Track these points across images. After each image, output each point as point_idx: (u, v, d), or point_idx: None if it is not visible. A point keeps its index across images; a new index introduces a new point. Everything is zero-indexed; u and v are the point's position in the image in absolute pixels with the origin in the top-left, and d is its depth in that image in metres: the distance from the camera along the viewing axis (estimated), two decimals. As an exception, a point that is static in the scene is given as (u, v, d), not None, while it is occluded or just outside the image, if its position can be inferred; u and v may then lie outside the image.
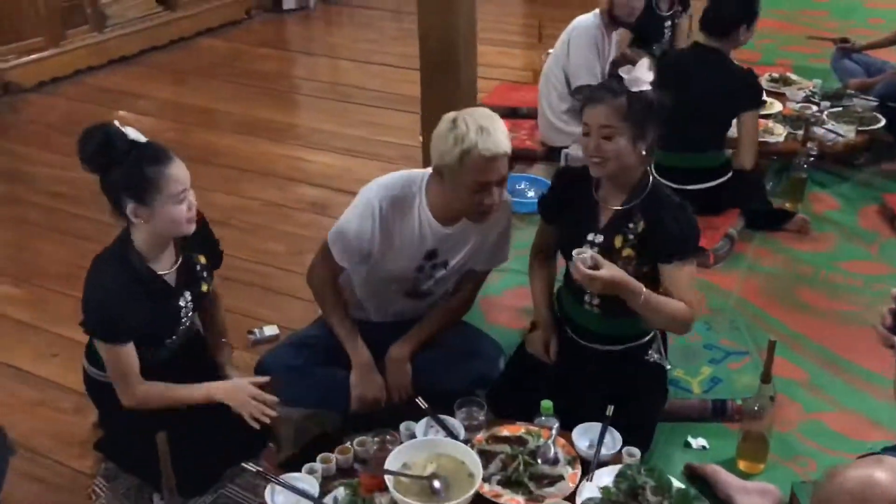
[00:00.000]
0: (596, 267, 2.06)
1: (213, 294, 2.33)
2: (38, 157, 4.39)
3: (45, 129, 4.73)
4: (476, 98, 3.54)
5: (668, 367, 2.41)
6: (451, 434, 2.06)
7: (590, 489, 1.93)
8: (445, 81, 3.25)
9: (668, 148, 3.43)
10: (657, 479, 1.92)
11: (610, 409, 2.09)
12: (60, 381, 2.71)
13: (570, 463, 2.01)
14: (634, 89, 2.14)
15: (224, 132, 4.72)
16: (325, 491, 1.94)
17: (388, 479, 1.89)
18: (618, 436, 2.08)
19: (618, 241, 2.21)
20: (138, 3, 5.87)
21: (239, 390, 2.12)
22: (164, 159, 1.97)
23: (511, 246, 2.48)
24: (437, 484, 1.87)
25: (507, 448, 2.02)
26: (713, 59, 3.34)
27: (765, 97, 3.68)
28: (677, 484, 1.95)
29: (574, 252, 2.11)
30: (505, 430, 2.09)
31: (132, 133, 1.97)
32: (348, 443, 2.08)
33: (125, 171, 1.94)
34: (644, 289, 2.10)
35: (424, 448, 1.99)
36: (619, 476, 1.94)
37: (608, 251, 2.20)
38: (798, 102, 4.21)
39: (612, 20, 3.89)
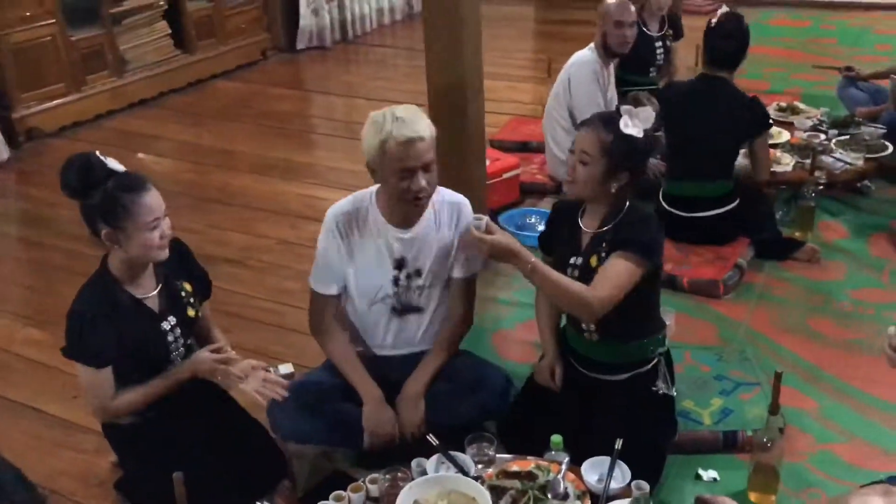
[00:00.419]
0: (489, 233, 2.15)
1: (212, 335, 2.40)
2: (59, 200, 4.39)
3: (66, 174, 4.84)
4: (484, 134, 3.60)
5: (675, 394, 2.43)
6: (462, 470, 2.09)
7: (599, 523, 1.95)
8: (453, 119, 3.31)
9: (677, 177, 3.52)
10: (666, 513, 1.94)
11: (619, 443, 2.11)
12: (81, 423, 2.77)
13: (580, 497, 2.03)
14: (624, 131, 2.22)
15: (240, 172, 4.82)
16: (338, 528, 1.97)
17: (399, 516, 1.92)
18: (627, 469, 2.10)
19: (593, 261, 2.29)
20: (157, 48, 6.03)
21: (200, 362, 2.21)
22: (138, 188, 2.06)
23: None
24: (447, 520, 1.90)
25: (517, 483, 2.04)
26: (719, 89, 3.42)
27: (771, 120, 3.74)
28: (686, 517, 1.96)
29: (471, 221, 2.20)
30: (515, 466, 2.11)
31: (112, 162, 2.07)
32: (360, 480, 2.12)
33: (102, 196, 2.04)
34: (533, 258, 2.17)
35: (435, 485, 2.02)
36: (628, 510, 1.96)
37: (585, 270, 2.29)
38: (806, 131, 4.25)
39: (607, 52, 3.97)
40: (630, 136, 2.22)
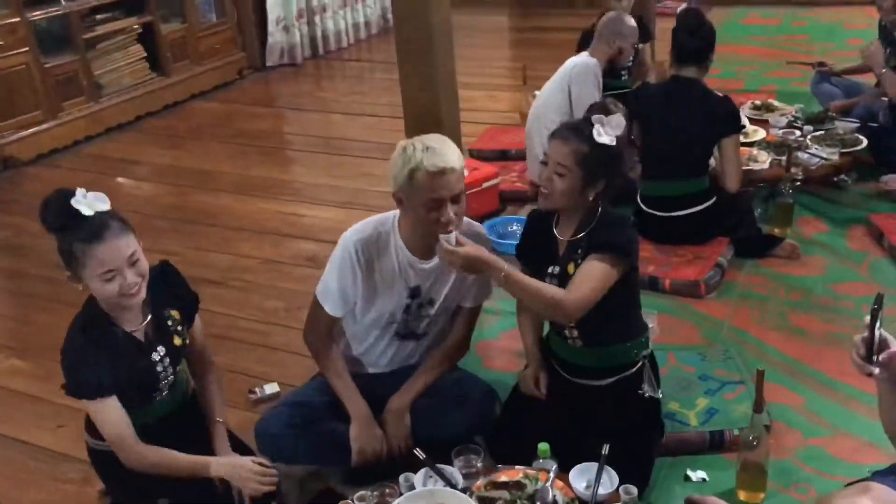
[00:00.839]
0: (459, 245, 2.15)
1: (208, 368, 2.37)
2: (38, 230, 4.37)
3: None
4: (461, 144, 3.62)
5: (661, 396, 2.44)
6: (450, 483, 2.09)
7: (589, 530, 1.96)
8: (429, 130, 3.31)
9: (653, 177, 3.55)
10: (655, 516, 1.94)
11: (605, 448, 2.11)
12: (68, 452, 2.74)
13: (569, 504, 2.04)
14: (599, 140, 2.23)
15: (220, 192, 4.81)
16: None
17: (389, 532, 1.92)
18: (614, 474, 2.10)
19: (570, 269, 2.30)
20: (132, 72, 6.01)
21: (241, 468, 2.14)
22: (92, 238, 1.97)
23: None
24: (437, 534, 1.90)
25: (505, 494, 2.05)
26: (692, 89, 3.46)
27: (744, 122, 3.77)
28: (676, 519, 1.96)
29: (441, 236, 2.17)
30: (503, 476, 2.12)
31: (91, 203, 2.00)
32: (349, 497, 2.11)
33: (61, 241, 2.01)
34: (505, 266, 2.17)
35: (423, 499, 2.01)
36: (617, 515, 1.97)
37: (563, 278, 2.30)
38: (781, 128, 4.28)
39: (611, 66, 4.03)
40: (604, 145, 2.24)
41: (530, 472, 2.12)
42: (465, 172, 2.28)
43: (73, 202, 1.99)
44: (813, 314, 3.16)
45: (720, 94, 3.48)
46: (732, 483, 2.33)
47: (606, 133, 2.25)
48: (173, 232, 4.30)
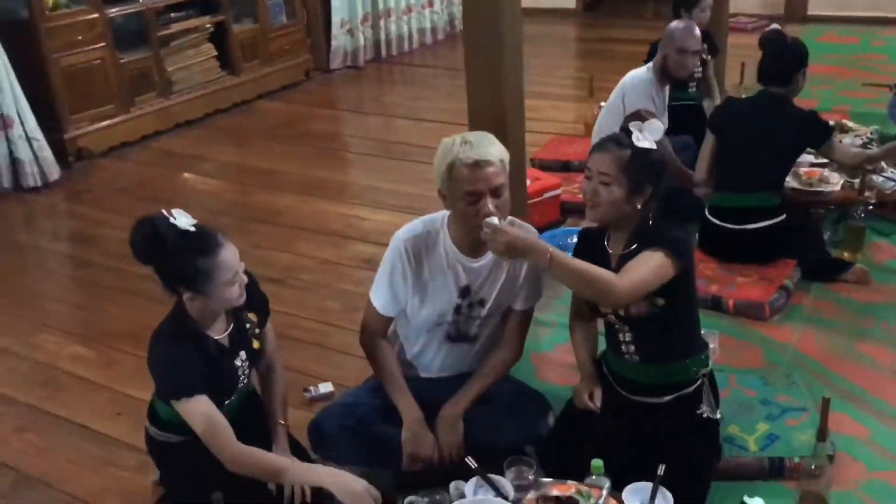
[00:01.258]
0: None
1: (274, 368, 2.39)
2: (108, 220, 4.60)
3: (114, 194, 4.96)
4: (525, 154, 3.60)
5: (720, 417, 2.38)
6: (501, 494, 2.07)
7: (641, 551, 1.92)
8: (495, 140, 3.31)
9: (725, 189, 3.52)
10: (709, 542, 1.90)
11: (661, 469, 2.07)
12: (125, 440, 2.80)
13: (621, 524, 2.00)
14: (639, 145, 2.22)
15: (283, 192, 4.87)
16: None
17: (438, 539, 1.90)
18: (669, 496, 2.06)
19: None
20: (203, 70, 6.14)
21: (358, 492, 2.10)
22: (213, 248, 2.01)
23: (544, 283, 2.51)
24: (486, 545, 1.88)
25: (556, 509, 2.02)
26: (778, 105, 3.45)
27: (832, 124, 3.72)
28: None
29: (486, 217, 2.15)
30: (555, 490, 2.09)
31: (182, 220, 2.01)
32: (399, 502, 2.11)
33: (177, 264, 2.01)
34: (550, 247, 2.11)
35: (474, 508, 2.00)
36: (671, 538, 1.92)
37: None
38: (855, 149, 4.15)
39: (664, 75, 3.95)
40: (645, 149, 2.23)
41: (583, 487, 2.09)
42: (504, 169, 2.27)
43: (173, 218, 2.00)
44: (882, 343, 3.06)
45: (806, 110, 3.48)
46: (791, 512, 2.27)
47: (645, 138, 2.24)
48: (236, 229, 4.36)
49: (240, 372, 2.22)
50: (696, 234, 3.63)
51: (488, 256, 2.38)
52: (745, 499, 2.34)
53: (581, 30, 8.55)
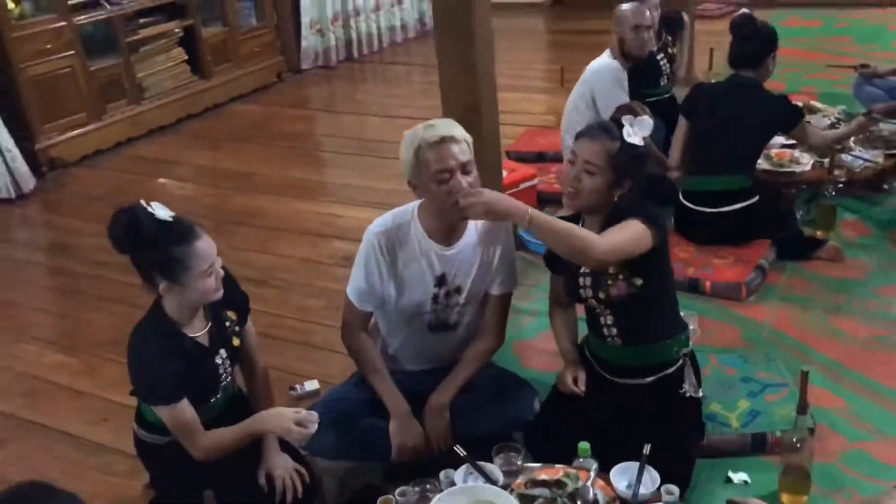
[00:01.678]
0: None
1: (256, 366, 2.40)
2: (83, 228, 4.57)
3: (89, 202, 4.92)
4: (500, 146, 3.62)
5: (702, 395, 2.42)
6: (490, 480, 2.09)
7: (630, 529, 1.95)
8: (468, 132, 3.33)
9: (698, 172, 3.57)
10: (697, 516, 1.93)
11: (647, 448, 2.10)
12: (112, 445, 2.80)
13: (610, 504, 2.03)
14: (629, 140, 2.24)
15: (259, 193, 4.87)
16: (369, 542, 1.98)
17: (430, 527, 1.92)
18: (656, 474, 2.09)
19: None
20: (174, 75, 6.11)
21: (283, 418, 2.14)
22: (189, 238, 2.03)
23: (521, 271, 2.58)
24: (478, 530, 1.90)
25: (546, 492, 2.04)
26: (749, 89, 3.51)
27: (802, 108, 3.79)
28: (718, 520, 1.95)
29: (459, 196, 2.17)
30: (543, 474, 2.11)
31: (160, 212, 2.03)
32: (390, 494, 2.12)
33: (154, 252, 2.02)
34: (529, 208, 2.14)
35: (464, 495, 2.01)
36: (659, 515, 1.95)
37: (598, 279, 2.31)
38: (823, 130, 4.22)
39: (626, 57, 4.00)
40: (633, 145, 2.25)
41: (571, 470, 2.12)
42: (469, 149, 2.29)
43: (152, 209, 2.02)
44: (856, 317, 3.12)
45: (777, 94, 3.54)
46: (775, 486, 2.30)
47: (636, 133, 2.26)
48: (214, 231, 4.20)
49: (220, 370, 2.22)
50: (672, 218, 3.68)
51: (461, 244, 2.40)
52: (730, 474, 2.40)
53: (550, 23, 8.58)
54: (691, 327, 2.53)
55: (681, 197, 3.61)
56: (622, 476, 2.11)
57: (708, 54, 5.73)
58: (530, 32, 8.18)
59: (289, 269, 3.95)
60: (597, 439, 2.18)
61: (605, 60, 4.03)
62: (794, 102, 3.62)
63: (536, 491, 2.05)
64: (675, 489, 2.05)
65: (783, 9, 7.55)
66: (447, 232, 2.38)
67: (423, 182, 2.28)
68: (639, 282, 2.27)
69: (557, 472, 2.12)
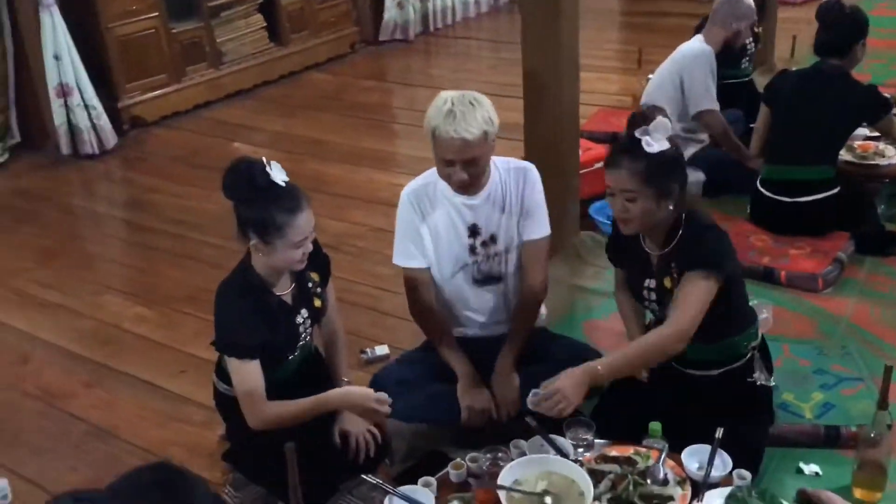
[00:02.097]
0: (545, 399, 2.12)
1: (335, 327, 2.46)
2: (162, 186, 4.70)
3: (168, 161, 5.06)
4: (578, 125, 3.61)
5: (773, 384, 2.40)
6: (561, 453, 2.11)
7: (701, 510, 1.95)
8: (548, 108, 3.33)
9: (779, 161, 3.50)
10: (769, 502, 1.92)
11: (719, 432, 2.10)
12: (189, 396, 2.90)
13: (680, 484, 2.02)
14: (651, 151, 2.15)
15: (332, 161, 4.94)
16: (440, 504, 2.02)
17: (501, 493, 1.95)
18: (728, 458, 2.08)
19: (667, 283, 2.28)
20: (252, 40, 6.20)
21: (367, 399, 2.20)
22: (294, 208, 2.09)
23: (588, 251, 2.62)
24: (548, 500, 1.93)
25: (616, 468, 2.06)
26: (835, 77, 3.42)
27: (890, 100, 3.67)
28: (790, 507, 1.94)
29: (528, 400, 2.15)
30: (614, 451, 2.13)
31: (276, 173, 2.09)
32: (460, 458, 2.16)
33: (256, 208, 2.08)
34: (598, 365, 2.16)
35: (536, 465, 2.05)
36: (730, 498, 1.93)
37: (661, 292, 2.30)
38: (910, 123, 4.09)
39: (726, 49, 3.94)
40: (659, 153, 2.16)
41: (641, 449, 2.13)
42: (486, 141, 2.32)
43: (269, 168, 2.08)
44: (938, 316, 3.04)
45: (866, 84, 3.44)
46: (847, 480, 2.27)
47: (656, 140, 2.16)
48: None
49: (301, 329, 2.28)
50: (748, 206, 3.63)
51: (485, 193, 2.45)
52: (801, 465, 2.37)
53: (624, 3, 8.46)
54: (763, 316, 2.49)
55: (758, 185, 3.55)
56: (693, 458, 2.10)
57: (790, 41, 5.59)
58: (604, 13, 8.06)
59: (361, 236, 4.01)
60: (664, 422, 2.18)
61: (698, 45, 3.94)
62: (883, 94, 3.51)
63: (607, 467, 2.07)
64: (746, 474, 2.04)
65: (871, -3, 7.30)
66: (467, 186, 2.43)
67: (434, 151, 2.38)
68: None
69: (628, 449, 2.13)
